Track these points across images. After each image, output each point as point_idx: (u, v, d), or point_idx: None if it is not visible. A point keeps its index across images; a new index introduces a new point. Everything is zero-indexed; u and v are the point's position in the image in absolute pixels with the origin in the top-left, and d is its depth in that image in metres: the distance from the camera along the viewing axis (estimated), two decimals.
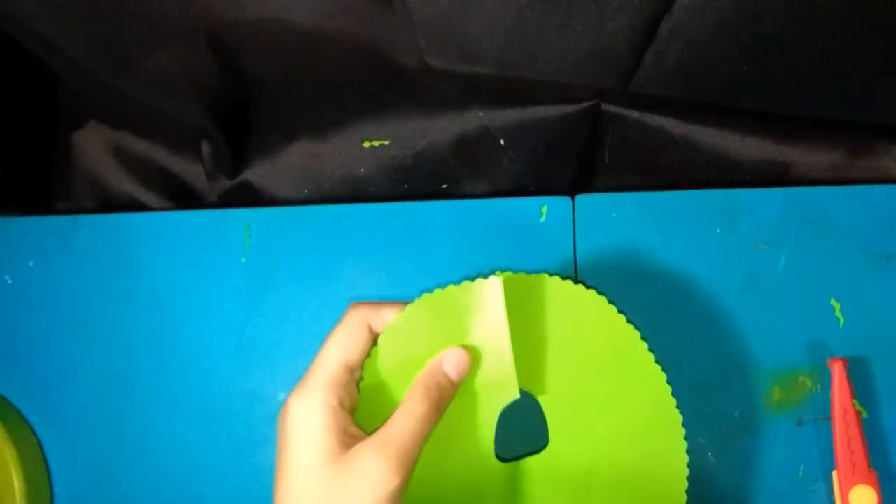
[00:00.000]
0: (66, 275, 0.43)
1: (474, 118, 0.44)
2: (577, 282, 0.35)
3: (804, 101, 0.39)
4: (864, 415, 0.37)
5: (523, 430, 0.35)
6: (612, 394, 0.34)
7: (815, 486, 0.37)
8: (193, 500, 0.40)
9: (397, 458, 0.28)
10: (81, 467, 0.41)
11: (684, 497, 0.33)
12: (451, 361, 0.32)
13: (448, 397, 0.32)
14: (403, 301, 0.33)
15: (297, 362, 0.41)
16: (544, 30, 0.34)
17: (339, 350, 0.31)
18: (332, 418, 0.29)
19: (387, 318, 0.33)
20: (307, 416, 0.29)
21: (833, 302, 0.38)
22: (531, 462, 0.35)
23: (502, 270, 0.34)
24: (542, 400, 0.35)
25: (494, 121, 0.43)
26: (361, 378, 0.32)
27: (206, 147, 0.46)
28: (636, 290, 0.39)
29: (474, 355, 0.33)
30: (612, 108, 0.41)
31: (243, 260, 0.42)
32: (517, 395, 0.33)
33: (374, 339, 0.33)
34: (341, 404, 0.30)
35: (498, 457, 0.34)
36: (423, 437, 0.30)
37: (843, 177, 0.42)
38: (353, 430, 0.30)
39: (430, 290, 0.33)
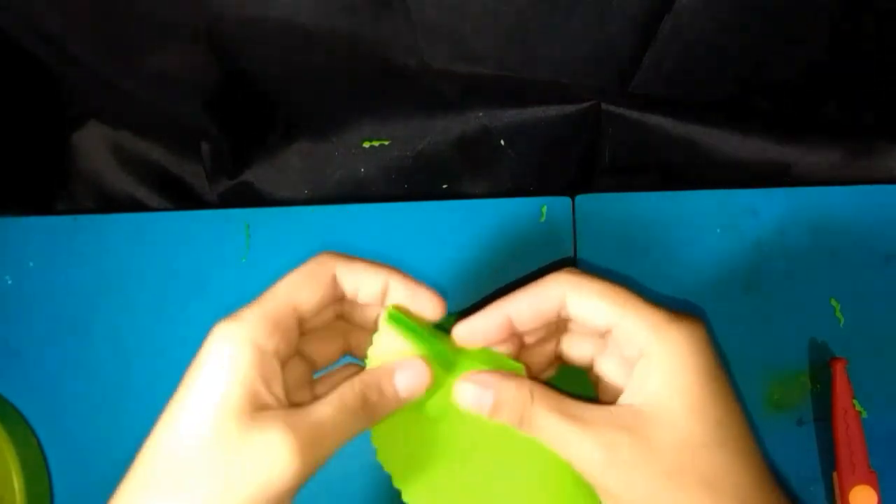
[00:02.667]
0: (66, 275, 0.43)
1: (474, 118, 0.44)
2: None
3: (804, 101, 0.39)
4: (865, 415, 0.37)
5: None
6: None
7: (815, 486, 0.37)
8: None
9: (309, 443, 0.25)
10: (81, 467, 0.41)
11: None
12: (405, 375, 0.28)
13: (385, 412, 0.28)
14: (380, 263, 0.30)
15: None
16: (544, 30, 0.34)
17: (291, 290, 0.27)
18: (257, 364, 0.25)
19: (358, 275, 0.29)
20: (230, 352, 0.25)
21: (833, 302, 0.38)
22: None
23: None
24: None
25: (494, 121, 0.43)
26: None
27: (206, 147, 0.46)
28: (636, 289, 0.39)
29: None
30: (612, 108, 0.41)
31: (243, 260, 0.42)
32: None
33: (334, 294, 0.29)
34: (275, 351, 0.26)
35: None
36: (345, 436, 0.26)
37: (843, 177, 0.42)
38: (277, 390, 0.26)
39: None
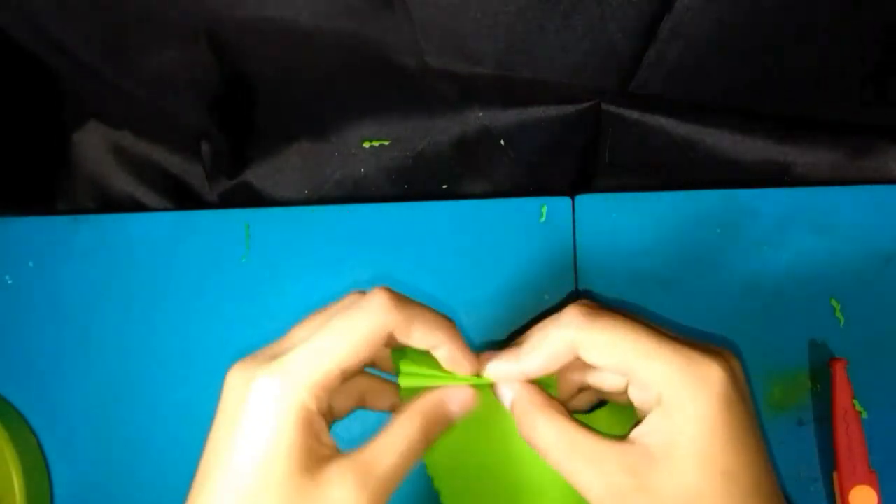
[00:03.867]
0: (66, 275, 0.43)
1: (474, 118, 0.44)
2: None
3: (804, 101, 0.38)
4: (865, 415, 0.37)
5: None
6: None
7: (815, 486, 0.37)
8: None
9: (376, 493, 0.25)
10: (81, 467, 0.41)
11: None
12: (457, 402, 0.29)
13: (440, 435, 0.29)
14: (436, 316, 0.29)
15: None
16: (544, 30, 0.34)
17: (342, 348, 0.26)
18: (309, 425, 0.25)
19: (413, 339, 0.28)
20: (279, 417, 0.25)
21: (833, 302, 0.38)
22: None
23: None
24: None
25: (494, 121, 0.43)
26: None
27: (206, 147, 0.46)
28: (636, 290, 0.39)
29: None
30: (612, 108, 0.41)
31: (243, 260, 0.42)
32: None
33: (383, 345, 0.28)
34: (321, 410, 0.26)
35: None
36: (405, 473, 0.26)
37: (843, 177, 0.42)
38: (327, 440, 0.26)
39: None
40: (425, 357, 0.30)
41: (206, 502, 0.25)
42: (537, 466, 0.32)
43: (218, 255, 0.42)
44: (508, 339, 0.34)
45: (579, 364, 0.30)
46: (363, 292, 0.29)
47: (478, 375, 0.30)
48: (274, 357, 0.26)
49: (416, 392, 0.30)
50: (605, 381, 0.31)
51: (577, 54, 0.35)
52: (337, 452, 0.26)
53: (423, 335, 0.28)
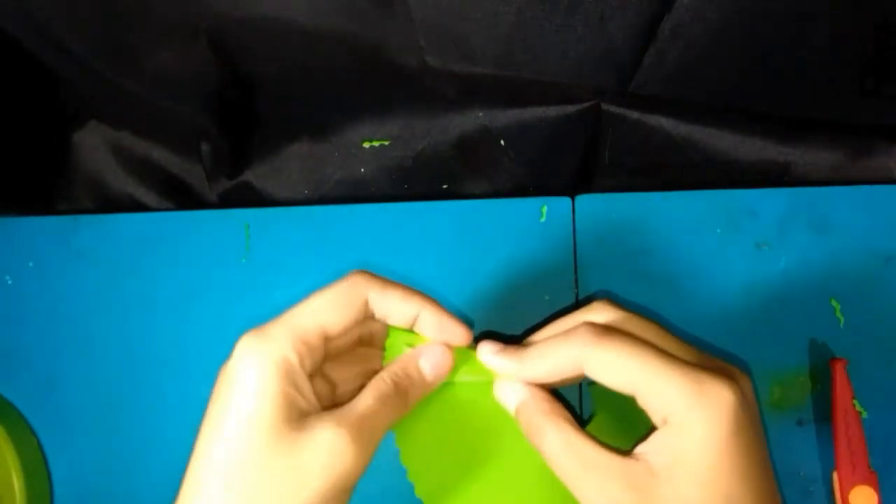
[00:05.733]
0: (66, 275, 0.43)
1: (474, 118, 0.44)
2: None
3: (804, 101, 0.39)
4: (865, 415, 0.37)
5: None
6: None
7: (815, 486, 0.37)
8: None
9: (360, 434, 0.26)
10: (81, 467, 0.41)
11: None
12: (428, 358, 0.30)
13: (418, 395, 0.29)
14: (412, 288, 0.30)
15: None
16: (544, 30, 0.34)
17: (321, 310, 0.28)
18: (289, 376, 0.26)
19: (390, 303, 0.29)
20: (260, 368, 0.26)
21: (833, 302, 0.38)
22: None
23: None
24: None
25: (494, 121, 0.43)
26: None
27: (206, 147, 0.46)
28: (636, 290, 0.39)
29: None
30: (612, 109, 0.41)
31: (243, 260, 0.42)
32: None
33: (363, 317, 0.29)
34: (302, 364, 0.27)
35: None
36: (386, 424, 0.28)
37: (843, 177, 0.42)
38: (310, 397, 0.27)
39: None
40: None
41: (200, 460, 0.26)
42: (515, 465, 0.32)
43: (218, 255, 0.42)
44: (524, 335, 0.34)
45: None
46: (362, 271, 0.30)
47: (470, 347, 0.31)
48: (258, 327, 0.28)
49: None
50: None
51: (577, 54, 0.35)
52: (320, 410, 0.27)
53: (399, 300, 0.29)
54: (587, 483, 0.27)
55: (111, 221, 0.43)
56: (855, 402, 0.36)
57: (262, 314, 0.41)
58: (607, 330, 0.29)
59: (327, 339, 0.28)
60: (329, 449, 0.25)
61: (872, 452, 0.35)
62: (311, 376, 0.28)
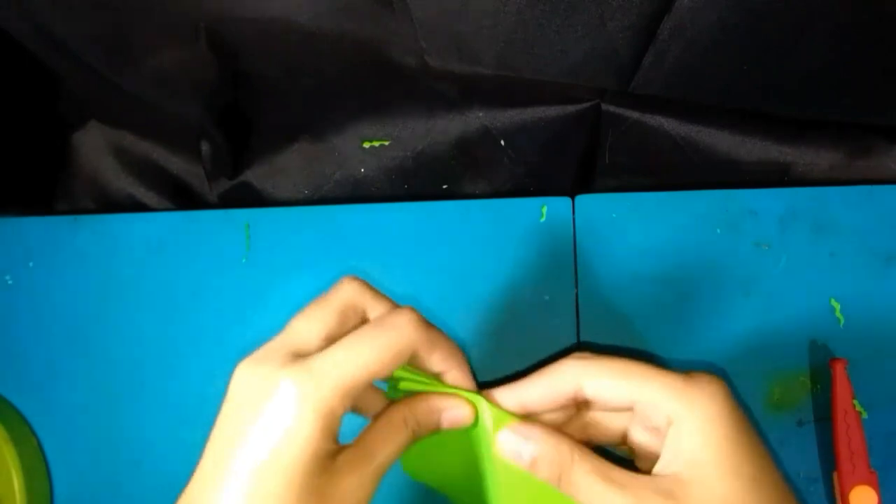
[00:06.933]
0: (66, 275, 0.43)
1: (474, 118, 0.44)
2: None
3: (804, 101, 0.38)
4: (865, 415, 0.37)
5: None
6: None
7: (816, 486, 0.37)
8: None
9: (377, 478, 0.27)
10: (81, 467, 0.41)
11: None
12: (449, 417, 0.30)
13: (424, 435, 0.30)
14: (454, 345, 0.30)
15: None
16: (544, 30, 0.34)
17: (373, 361, 0.26)
18: (331, 429, 0.26)
19: (431, 361, 0.29)
20: (307, 419, 0.25)
21: (833, 302, 0.38)
22: None
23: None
24: None
25: (494, 121, 0.43)
26: None
27: (206, 147, 0.46)
28: (636, 290, 0.39)
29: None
30: (612, 109, 0.41)
31: (243, 260, 0.42)
32: None
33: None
34: (341, 415, 0.26)
35: None
36: (393, 461, 0.28)
37: (843, 177, 0.42)
38: (337, 438, 0.27)
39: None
40: (418, 372, 0.31)
41: (212, 496, 0.25)
42: (507, 492, 0.31)
43: (218, 255, 0.42)
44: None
45: (572, 415, 0.31)
46: (355, 278, 0.30)
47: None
48: (293, 355, 0.26)
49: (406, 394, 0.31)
50: (605, 428, 0.32)
51: (577, 54, 0.35)
52: (340, 445, 0.27)
53: (441, 359, 0.29)
54: (623, 502, 0.27)
55: (111, 221, 0.43)
56: (855, 402, 0.36)
57: (262, 314, 0.41)
58: (596, 354, 0.30)
59: (369, 385, 0.28)
60: (353, 499, 0.26)
61: (872, 452, 0.35)
62: None
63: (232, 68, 0.41)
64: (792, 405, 0.38)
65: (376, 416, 0.29)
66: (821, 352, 0.38)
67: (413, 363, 0.29)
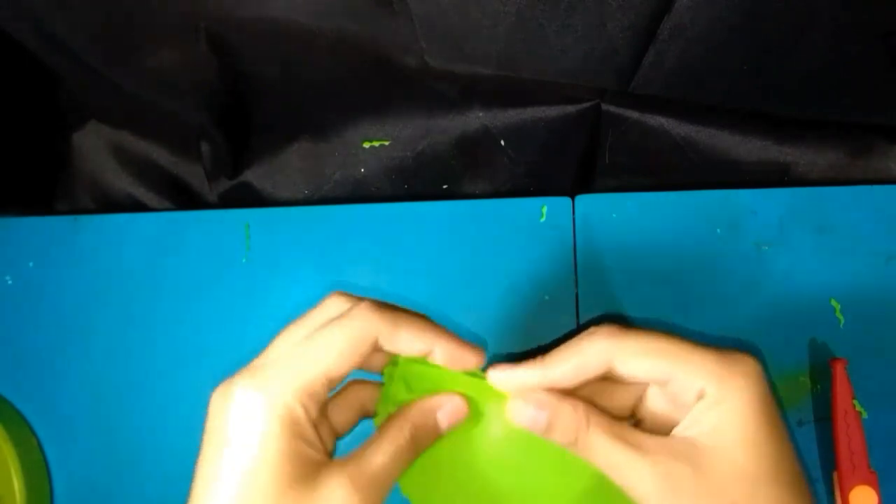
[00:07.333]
0: (66, 275, 0.43)
1: (474, 118, 0.44)
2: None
3: (804, 101, 0.38)
4: (865, 415, 0.37)
5: None
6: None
7: (816, 486, 0.37)
8: None
9: (372, 492, 0.25)
10: (81, 467, 0.41)
11: None
12: (446, 412, 0.29)
13: (429, 445, 0.29)
14: (422, 320, 0.29)
15: None
16: (544, 30, 0.34)
17: (327, 356, 0.26)
18: (296, 430, 0.25)
19: (402, 343, 0.28)
20: (265, 424, 0.24)
21: (833, 302, 0.38)
22: None
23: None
24: None
25: (494, 121, 0.43)
26: None
27: (206, 147, 0.46)
28: (636, 290, 0.39)
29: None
30: (612, 109, 0.41)
31: (243, 260, 0.42)
32: None
33: (370, 353, 0.28)
34: (308, 415, 0.26)
35: None
36: (397, 477, 0.27)
37: (843, 177, 0.42)
38: (319, 447, 0.26)
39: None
40: (422, 368, 0.30)
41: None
42: (517, 480, 0.31)
43: (218, 255, 0.42)
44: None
45: (587, 387, 0.30)
46: (344, 293, 0.29)
47: (480, 371, 0.30)
48: (254, 370, 0.26)
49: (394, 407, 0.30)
50: (620, 395, 0.31)
51: (577, 54, 0.35)
52: (330, 459, 0.26)
53: (411, 338, 0.28)
54: (644, 466, 0.26)
55: (111, 221, 0.43)
56: (855, 402, 0.36)
57: (262, 314, 0.41)
58: (627, 327, 0.29)
59: (332, 384, 0.27)
60: None
61: (872, 452, 0.35)
62: (316, 423, 0.27)
63: (232, 68, 0.41)
64: (792, 405, 0.38)
65: (374, 435, 0.28)
66: (821, 352, 0.38)
67: (386, 349, 0.28)
